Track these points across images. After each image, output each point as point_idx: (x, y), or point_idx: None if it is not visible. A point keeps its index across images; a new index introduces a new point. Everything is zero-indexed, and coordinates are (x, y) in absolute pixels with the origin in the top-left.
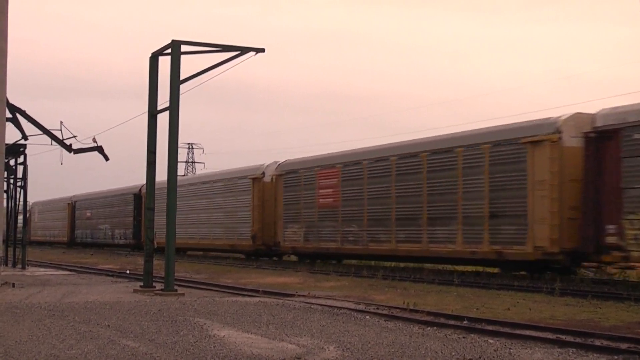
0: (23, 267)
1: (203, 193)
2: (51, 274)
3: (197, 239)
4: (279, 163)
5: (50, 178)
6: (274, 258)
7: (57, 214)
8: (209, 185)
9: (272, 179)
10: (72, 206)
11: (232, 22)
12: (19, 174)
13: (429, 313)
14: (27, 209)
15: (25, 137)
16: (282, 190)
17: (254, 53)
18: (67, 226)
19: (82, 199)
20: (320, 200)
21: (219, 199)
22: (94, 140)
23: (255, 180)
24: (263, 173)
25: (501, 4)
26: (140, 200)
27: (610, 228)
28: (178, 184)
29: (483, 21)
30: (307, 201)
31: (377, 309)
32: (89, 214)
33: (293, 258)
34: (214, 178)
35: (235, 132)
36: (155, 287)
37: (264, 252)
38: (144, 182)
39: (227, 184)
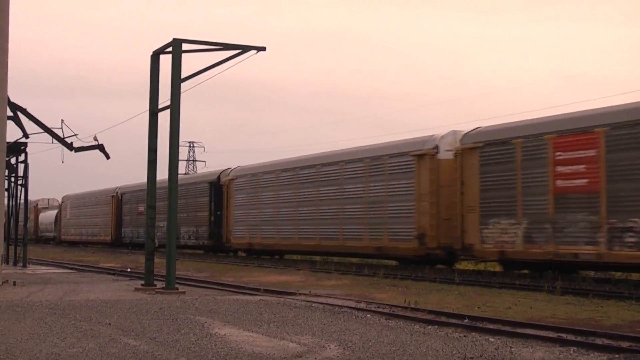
0: (24, 266)
1: (327, 178)
2: (52, 273)
3: (316, 240)
4: (465, 132)
5: (51, 176)
6: (458, 266)
7: (97, 209)
8: (337, 168)
9: (455, 154)
10: (118, 199)
11: (232, 22)
12: (20, 172)
13: (430, 312)
14: (58, 203)
15: (26, 135)
16: (476, 170)
17: (254, 52)
18: (111, 223)
19: (132, 190)
20: (559, 181)
21: (354, 185)
22: (95, 139)
23: (421, 157)
24: (436, 147)
25: (501, 4)
26: (221, 190)
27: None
28: (283, 166)
29: (483, 21)
30: (532, 184)
31: (378, 307)
32: (141, 208)
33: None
34: (347, 157)
35: (236, 130)
36: (156, 285)
37: (440, 258)
38: (225, 167)
39: (371, 164)
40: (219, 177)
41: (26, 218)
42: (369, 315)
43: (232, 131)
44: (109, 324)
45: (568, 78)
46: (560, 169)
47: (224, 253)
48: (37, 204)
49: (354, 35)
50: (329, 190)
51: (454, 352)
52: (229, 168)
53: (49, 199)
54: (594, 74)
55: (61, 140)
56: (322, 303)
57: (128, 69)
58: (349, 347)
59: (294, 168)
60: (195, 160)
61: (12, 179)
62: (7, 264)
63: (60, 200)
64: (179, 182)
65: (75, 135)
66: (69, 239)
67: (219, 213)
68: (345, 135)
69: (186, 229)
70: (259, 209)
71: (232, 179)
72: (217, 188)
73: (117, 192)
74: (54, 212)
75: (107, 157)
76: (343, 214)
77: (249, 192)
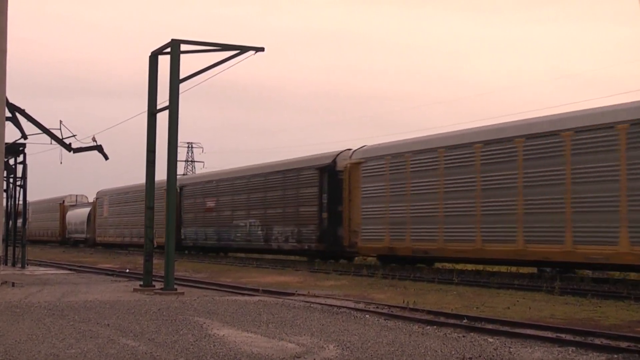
0: (23, 267)
1: (543, 156)
2: (51, 273)
3: (516, 243)
4: (354, 149)
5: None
6: None
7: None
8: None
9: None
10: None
11: (232, 22)
12: (19, 173)
13: (428, 312)
14: (88, 200)
15: (24, 136)
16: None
17: (253, 52)
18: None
19: (195, 182)
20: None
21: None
22: (94, 139)
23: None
24: (334, 162)
25: (501, 4)
26: (336, 178)
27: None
28: (453, 141)
29: (483, 21)
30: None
31: (377, 308)
32: (211, 204)
33: None
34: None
35: (235, 131)
36: (155, 286)
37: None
38: (344, 148)
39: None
40: (334, 161)
41: (24, 219)
42: (367, 316)
43: (231, 132)
44: (108, 324)
45: (567, 78)
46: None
47: (344, 260)
48: (62, 201)
49: (354, 35)
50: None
51: (453, 352)
52: (349, 149)
53: (77, 195)
54: (593, 73)
55: (60, 141)
56: (320, 303)
57: (127, 69)
58: (348, 347)
59: (471, 144)
60: (194, 161)
61: (11, 180)
62: (6, 264)
63: (92, 196)
64: (270, 169)
65: (74, 136)
66: (106, 240)
67: (334, 208)
68: (345, 135)
69: (281, 229)
70: (407, 201)
71: (358, 163)
72: (332, 175)
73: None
74: (86, 210)
75: (106, 157)
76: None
77: (389, 179)
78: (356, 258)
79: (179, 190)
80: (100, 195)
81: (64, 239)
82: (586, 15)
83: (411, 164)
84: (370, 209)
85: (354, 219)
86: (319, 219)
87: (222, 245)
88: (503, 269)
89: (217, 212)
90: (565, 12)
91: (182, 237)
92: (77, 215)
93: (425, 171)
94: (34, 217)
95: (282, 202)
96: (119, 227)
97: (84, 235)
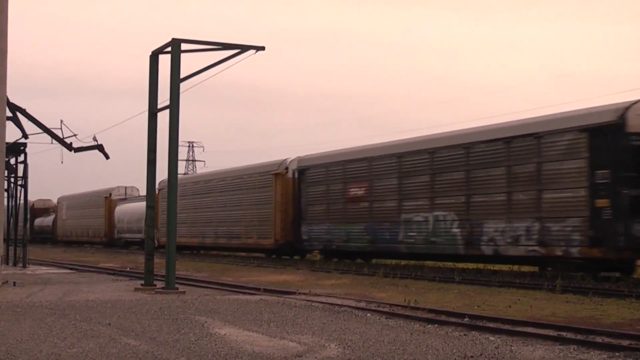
0: (24, 266)
1: None
2: (52, 273)
3: None
4: (301, 157)
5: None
6: None
7: (244, 195)
8: None
9: (293, 174)
10: (291, 179)
11: (227, 22)
12: (20, 173)
13: (430, 310)
14: (139, 192)
15: (25, 136)
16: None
17: (254, 51)
18: (275, 217)
19: (324, 161)
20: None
21: None
22: (95, 139)
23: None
24: (287, 168)
25: (494, 3)
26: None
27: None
28: None
29: (477, 20)
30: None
31: (378, 306)
32: (357, 191)
33: None
34: None
35: (236, 130)
36: (156, 285)
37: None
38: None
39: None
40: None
41: (26, 218)
42: (369, 315)
43: (232, 131)
44: (109, 324)
45: (563, 77)
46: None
47: None
48: (109, 194)
49: (350, 34)
50: None
51: (454, 351)
52: None
53: (126, 187)
54: (588, 73)
55: (60, 141)
56: (322, 302)
57: (127, 69)
58: (349, 346)
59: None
60: (195, 160)
61: (12, 180)
62: (7, 264)
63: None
64: (483, 136)
65: (75, 135)
66: (179, 242)
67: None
68: (344, 135)
69: (503, 226)
70: None
71: None
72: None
73: (287, 168)
74: (142, 205)
75: (107, 157)
76: None
77: None
78: None
79: (296, 175)
80: (163, 186)
81: (112, 240)
82: (579, 13)
83: None
84: None
85: None
86: (590, 208)
87: (378, 249)
88: (504, 267)
89: (369, 203)
90: (557, 10)
91: (305, 237)
92: (131, 210)
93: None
94: (69, 214)
95: (505, 184)
96: (197, 225)
97: (141, 236)
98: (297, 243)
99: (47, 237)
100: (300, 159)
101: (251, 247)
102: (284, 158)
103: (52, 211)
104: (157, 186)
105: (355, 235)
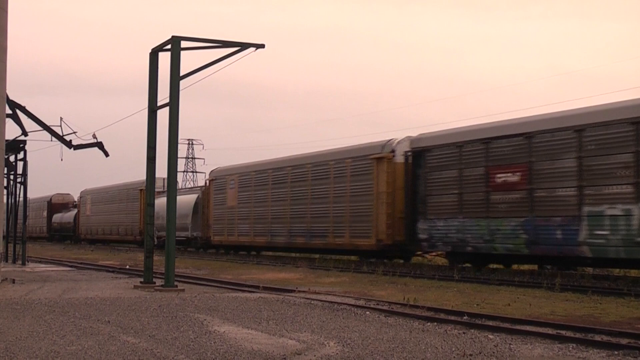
0: (23, 264)
1: None
2: (51, 270)
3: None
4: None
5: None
6: None
7: (341, 184)
8: None
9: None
10: (403, 164)
11: (225, 19)
12: (19, 170)
13: (429, 309)
14: (205, 181)
15: (25, 133)
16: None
17: (253, 49)
18: (378, 212)
19: (456, 140)
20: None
21: None
22: (94, 136)
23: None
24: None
25: (493, 1)
26: None
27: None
28: None
29: (475, 18)
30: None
31: (378, 304)
32: (509, 176)
33: None
34: None
35: (235, 128)
36: (155, 283)
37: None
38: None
39: None
40: None
41: (25, 215)
42: (368, 313)
43: (231, 128)
44: (108, 321)
45: (561, 75)
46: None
47: None
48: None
49: (349, 32)
50: None
51: (453, 349)
52: None
53: (164, 179)
54: (586, 71)
55: (60, 138)
56: (321, 300)
57: (127, 66)
58: (348, 344)
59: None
60: (195, 158)
61: (12, 177)
62: (6, 261)
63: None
64: None
65: (74, 133)
66: (234, 241)
67: None
68: (344, 133)
69: None
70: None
71: None
72: None
73: (394, 150)
74: (191, 199)
75: (106, 154)
76: None
77: None
78: None
79: (409, 159)
80: (218, 175)
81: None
82: (576, 12)
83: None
84: None
85: None
86: None
87: (542, 252)
88: (501, 267)
89: (527, 190)
90: (554, 9)
91: (422, 236)
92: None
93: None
94: (94, 209)
95: None
96: (260, 222)
97: (187, 234)
98: (410, 243)
99: (68, 235)
100: (414, 139)
101: (341, 249)
102: (387, 139)
103: (72, 206)
104: (207, 176)
105: (505, 233)
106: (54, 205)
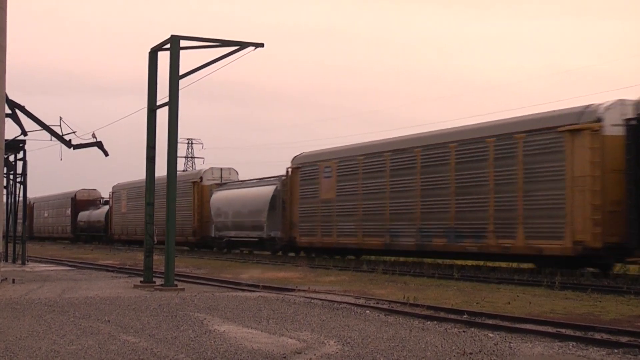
0: (23, 263)
1: None
2: (51, 270)
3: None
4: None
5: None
6: None
7: (505, 168)
8: None
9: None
10: (627, 136)
11: (225, 19)
12: (19, 170)
13: (429, 307)
14: (287, 170)
15: (24, 132)
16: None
17: (253, 48)
18: (574, 205)
19: None
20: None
21: None
22: (94, 136)
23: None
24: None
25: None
26: None
27: None
28: None
29: (471, 16)
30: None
31: (377, 303)
32: None
33: None
34: None
35: (234, 127)
36: (155, 282)
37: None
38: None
39: None
40: None
41: (25, 215)
42: (368, 311)
43: (231, 127)
44: (108, 321)
45: (561, 73)
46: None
47: None
48: (200, 178)
49: (347, 31)
50: None
51: (453, 347)
52: None
53: (221, 169)
54: (584, 70)
55: (60, 138)
56: (321, 299)
57: (126, 65)
58: (348, 343)
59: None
60: (194, 157)
61: (11, 177)
62: (6, 261)
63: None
64: None
65: (74, 132)
66: (339, 243)
67: None
68: (343, 132)
69: None
70: None
71: None
72: None
73: (601, 119)
74: (267, 192)
75: (106, 154)
76: None
77: None
78: None
79: (631, 130)
80: (305, 162)
81: (206, 239)
82: (572, 10)
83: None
84: None
85: None
86: None
87: None
88: (503, 264)
89: None
90: (552, 6)
91: None
92: (240, 199)
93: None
94: (131, 206)
95: None
96: (372, 218)
97: (260, 234)
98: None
99: (97, 236)
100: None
101: (509, 254)
102: (583, 105)
103: (99, 203)
104: (290, 165)
105: None
106: (79, 202)
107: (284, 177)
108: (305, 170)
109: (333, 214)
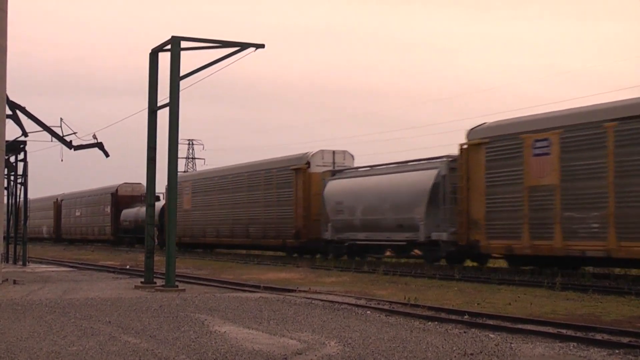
0: (24, 264)
1: None
2: (52, 271)
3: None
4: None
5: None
6: None
7: None
8: None
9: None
10: None
11: (226, 20)
12: (19, 171)
13: (429, 308)
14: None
15: (25, 133)
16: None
17: (253, 49)
18: None
19: None
20: None
21: None
22: (94, 137)
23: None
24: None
25: (490, 0)
26: None
27: None
28: None
29: (471, 18)
30: None
31: (378, 304)
32: None
33: None
34: None
35: (235, 128)
36: (156, 283)
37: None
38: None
39: None
40: None
41: (26, 216)
42: (368, 312)
43: (231, 128)
44: (109, 322)
45: (559, 75)
46: None
47: None
48: (307, 163)
49: (347, 31)
50: None
51: (454, 348)
52: None
53: (334, 152)
54: (584, 71)
55: (60, 139)
56: (322, 300)
57: (127, 66)
58: (349, 343)
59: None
60: (195, 158)
61: (12, 178)
62: (7, 262)
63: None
64: None
65: (75, 133)
66: (568, 248)
67: None
68: (343, 132)
69: None
70: None
71: None
72: None
73: None
74: (425, 179)
75: (107, 155)
76: None
77: None
78: None
79: None
80: (494, 135)
81: (316, 242)
82: (572, 12)
83: None
84: None
85: None
86: None
87: None
88: (504, 264)
89: None
90: (553, 8)
91: None
92: (371, 190)
93: None
94: (197, 201)
95: None
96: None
97: (413, 235)
98: None
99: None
100: None
101: None
102: None
103: (144, 199)
104: (466, 140)
105: None
106: (121, 198)
107: (450, 160)
108: (493, 147)
109: (556, 207)
